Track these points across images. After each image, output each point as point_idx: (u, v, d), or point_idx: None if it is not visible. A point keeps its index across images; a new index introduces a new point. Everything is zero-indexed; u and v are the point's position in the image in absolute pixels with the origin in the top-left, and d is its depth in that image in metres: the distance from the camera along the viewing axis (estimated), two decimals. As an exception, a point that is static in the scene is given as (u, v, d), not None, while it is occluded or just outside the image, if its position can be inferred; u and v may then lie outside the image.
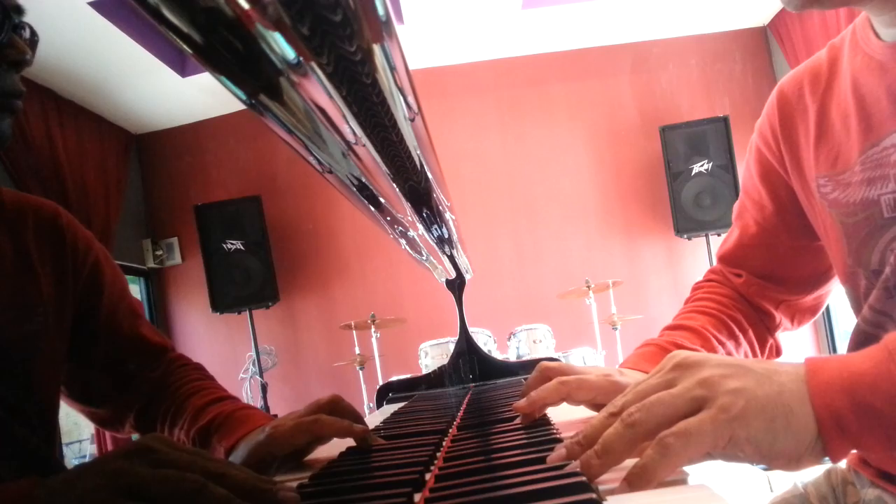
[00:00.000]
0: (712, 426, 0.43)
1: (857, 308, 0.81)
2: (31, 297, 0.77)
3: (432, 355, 3.10)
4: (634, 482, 0.42)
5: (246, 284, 3.92)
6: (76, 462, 4.09)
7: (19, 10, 0.71)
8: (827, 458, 0.46)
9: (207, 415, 0.83)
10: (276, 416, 0.79)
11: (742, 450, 0.44)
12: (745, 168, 0.95)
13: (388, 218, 0.91)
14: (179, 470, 0.46)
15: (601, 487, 0.43)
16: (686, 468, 0.45)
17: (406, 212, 0.85)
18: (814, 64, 0.83)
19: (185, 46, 0.35)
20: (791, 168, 0.86)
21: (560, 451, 0.48)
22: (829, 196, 0.79)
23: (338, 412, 0.71)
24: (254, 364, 4.03)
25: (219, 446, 0.77)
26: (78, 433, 3.81)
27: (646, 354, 0.85)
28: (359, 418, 0.72)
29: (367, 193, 0.74)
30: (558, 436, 0.59)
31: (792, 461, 0.45)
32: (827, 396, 0.44)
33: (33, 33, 0.73)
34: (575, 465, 0.45)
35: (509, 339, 3.31)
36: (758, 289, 0.94)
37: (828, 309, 3.77)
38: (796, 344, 4.19)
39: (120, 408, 0.90)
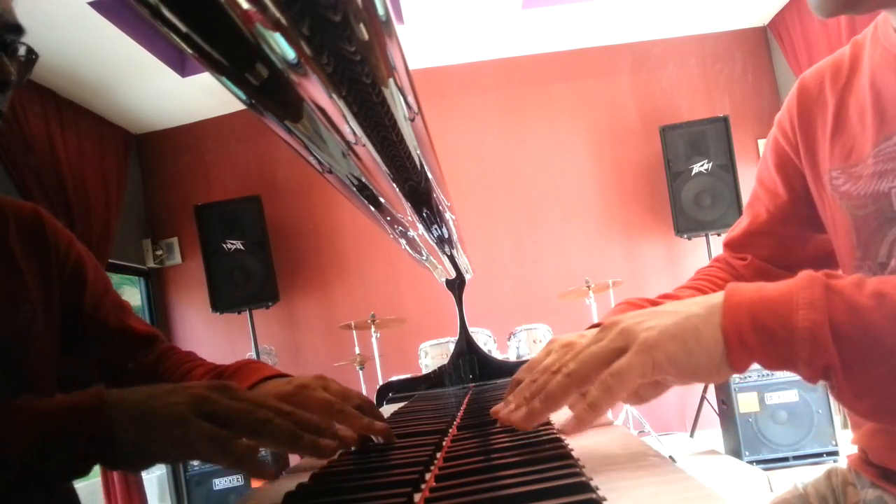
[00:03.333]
0: (637, 358, 0.52)
1: None
2: (18, 295, 0.78)
3: (432, 355, 3.10)
4: (583, 416, 0.52)
5: (246, 284, 3.92)
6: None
7: (18, 30, 0.69)
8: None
9: (215, 371, 0.84)
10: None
11: (666, 371, 0.52)
12: (762, 159, 0.96)
13: (388, 218, 0.91)
14: (252, 404, 0.54)
15: (601, 485, 0.43)
16: (685, 468, 0.45)
17: (406, 212, 0.85)
18: (836, 59, 0.84)
19: (185, 46, 0.35)
20: (805, 159, 0.87)
21: (508, 404, 0.60)
22: (840, 188, 0.80)
23: (363, 411, 0.70)
24: (254, 364, 4.03)
25: None
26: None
27: (619, 310, 0.87)
28: (380, 418, 0.71)
29: (367, 193, 0.74)
30: (558, 435, 0.59)
31: (712, 373, 0.53)
32: (734, 314, 0.53)
33: (30, 52, 0.71)
34: (521, 413, 0.57)
35: (509, 339, 3.31)
36: (760, 270, 0.95)
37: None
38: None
39: None
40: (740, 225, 0.99)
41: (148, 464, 0.52)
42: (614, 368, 0.52)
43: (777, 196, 0.92)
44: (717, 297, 0.55)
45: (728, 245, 1.01)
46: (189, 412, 0.50)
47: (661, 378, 0.54)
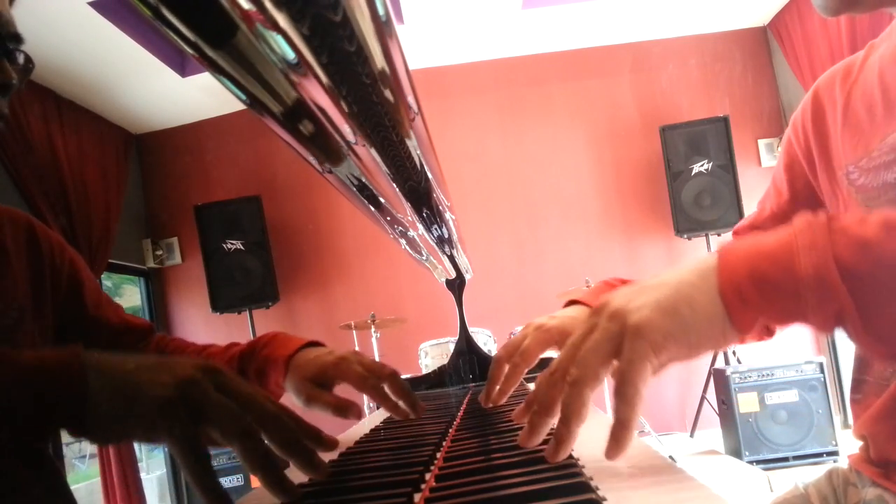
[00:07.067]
0: (637, 354, 0.48)
1: None
2: (8, 294, 0.79)
3: (432, 355, 3.10)
4: (619, 436, 0.48)
5: (246, 284, 3.92)
6: (77, 461, 4.09)
7: (18, 40, 0.74)
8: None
9: (241, 346, 0.88)
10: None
11: (668, 350, 0.48)
12: (778, 157, 0.99)
13: (388, 218, 0.91)
14: (240, 402, 0.48)
15: (602, 485, 0.43)
16: (685, 468, 0.46)
17: (406, 212, 0.85)
18: (850, 61, 0.86)
19: (185, 46, 0.35)
20: (819, 159, 0.88)
21: (525, 429, 0.55)
22: (856, 182, 0.81)
23: (395, 389, 0.78)
24: (254, 364, 4.03)
25: (272, 360, 0.80)
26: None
27: (597, 290, 0.93)
28: (412, 399, 0.79)
29: (367, 193, 0.74)
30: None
31: (716, 340, 0.49)
32: (730, 272, 0.49)
33: (28, 60, 0.76)
34: (552, 446, 0.51)
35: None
36: None
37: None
38: (797, 343, 4.14)
39: None
40: (749, 217, 1.03)
41: (116, 439, 0.47)
42: (621, 374, 0.48)
43: (781, 195, 0.95)
44: (710, 259, 0.51)
45: (736, 234, 1.04)
46: (173, 394, 0.45)
47: (667, 360, 0.49)
